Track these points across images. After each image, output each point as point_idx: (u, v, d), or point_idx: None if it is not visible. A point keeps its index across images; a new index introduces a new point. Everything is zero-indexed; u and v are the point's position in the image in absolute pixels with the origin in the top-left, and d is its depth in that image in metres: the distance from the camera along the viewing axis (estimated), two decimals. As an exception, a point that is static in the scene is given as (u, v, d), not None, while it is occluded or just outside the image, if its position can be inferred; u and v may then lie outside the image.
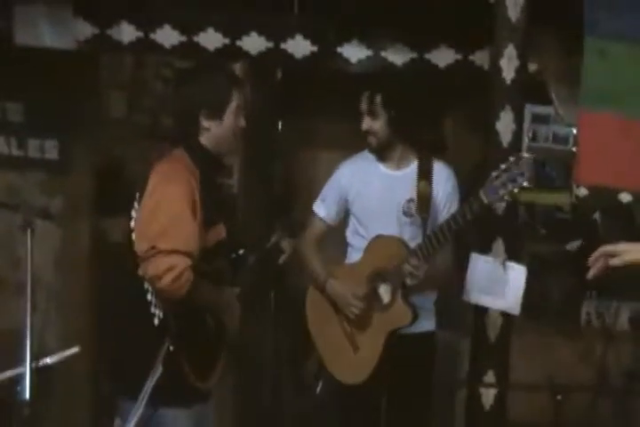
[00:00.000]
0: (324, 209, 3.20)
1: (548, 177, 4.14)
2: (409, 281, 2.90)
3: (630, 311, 4.03)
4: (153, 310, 2.48)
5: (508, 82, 3.26)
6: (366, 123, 3.04)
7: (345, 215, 3.21)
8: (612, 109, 3.19)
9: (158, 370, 2.39)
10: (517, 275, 3.16)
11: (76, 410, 3.89)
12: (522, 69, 3.26)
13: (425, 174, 3.04)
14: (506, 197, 2.71)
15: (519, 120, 3.31)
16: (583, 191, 3.29)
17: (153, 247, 2.37)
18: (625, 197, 3.25)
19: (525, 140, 4.02)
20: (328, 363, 3.16)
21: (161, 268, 2.35)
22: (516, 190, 2.67)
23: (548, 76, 3.55)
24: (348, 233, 3.21)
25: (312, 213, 3.23)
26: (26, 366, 2.37)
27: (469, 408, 3.40)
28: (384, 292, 3.03)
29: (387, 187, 3.09)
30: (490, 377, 3.28)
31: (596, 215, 4.08)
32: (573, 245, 4.13)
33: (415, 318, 2.96)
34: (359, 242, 3.14)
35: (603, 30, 3.19)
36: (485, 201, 2.72)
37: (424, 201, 3.00)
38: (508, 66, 3.25)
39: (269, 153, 4.11)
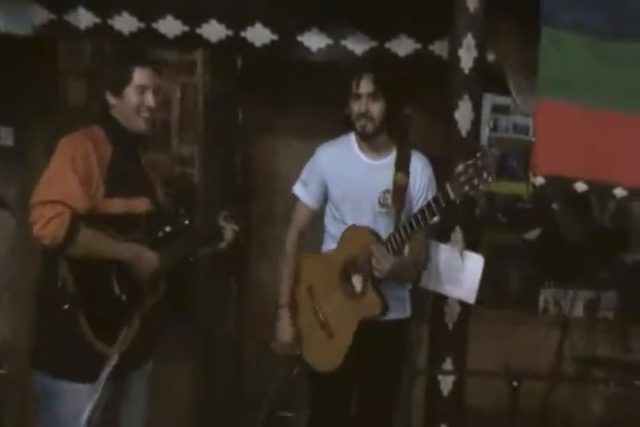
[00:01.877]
0: (306, 193, 3.19)
1: (509, 167, 4.18)
2: (376, 273, 2.92)
3: (585, 299, 4.10)
4: (57, 271, 2.59)
5: (467, 71, 3.27)
6: (365, 105, 3.01)
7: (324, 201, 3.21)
8: (568, 99, 3.22)
9: (114, 357, 2.40)
10: (475, 264, 3.19)
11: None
12: (480, 59, 3.28)
13: (402, 166, 3.06)
14: (472, 193, 2.71)
15: (478, 110, 3.33)
16: (540, 180, 3.32)
17: (32, 200, 2.57)
18: (580, 187, 3.28)
19: (486, 130, 4.06)
20: (303, 350, 3.18)
21: (34, 217, 2.54)
22: (481, 187, 2.68)
23: (507, 65, 3.57)
24: (326, 219, 3.21)
25: (295, 198, 3.22)
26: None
27: (428, 395, 3.43)
28: (357, 281, 3.05)
29: (364, 175, 3.08)
30: (448, 364, 3.31)
31: (555, 205, 4.14)
32: (532, 235, 4.18)
33: (385, 308, 2.98)
34: (335, 229, 3.15)
35: (559, 21, 3.21)
36: (452, 196, 2.73)
37: (399, 193, 3.03)
38: (467, 55, 3.26)
39: (229, 142, 4.09)
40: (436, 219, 2.95)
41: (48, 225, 2.51)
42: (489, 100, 3.92)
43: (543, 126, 3.27)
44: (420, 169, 3.10)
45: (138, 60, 2.75)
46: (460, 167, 2.70)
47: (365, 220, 3.06)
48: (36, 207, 2.55)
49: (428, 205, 2.82)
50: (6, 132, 3.84)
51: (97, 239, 2.61)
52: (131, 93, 2.71)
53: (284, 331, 3.19)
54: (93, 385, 2.50)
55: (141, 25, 3.54)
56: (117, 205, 2.69)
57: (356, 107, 3.03)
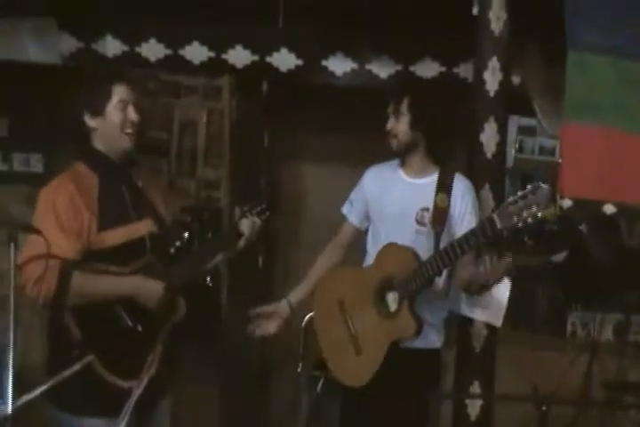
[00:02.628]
0: (351, 211, 3.22)
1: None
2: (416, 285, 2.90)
3: (615, 322, 4.05)
4: (62, 319, 2.53)
5: (492, 94, 3.27)
6: (390, 123, 3.05)
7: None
8: (595, 122, 3.21)
9: (143, 383, 2.40)
10: (502, 288, 3.16)
11: None
12: (505, 82, 3.29)
13: (444, 187, 3.05)
14: (520, 225, 2.67)
15: (503, 132, 3.33)
16: (568, 203, 3.30)
17: (20, 262, 2.47)
18: (609, 209, 3.25)
19: (512, 152, 4.05)
20: (330, 362, 3.17)
21: (23, 278, 2.46)
22: (530, 220, 2.65)
23: (532, 88, 3.57)
24: (368, 239, 3.22)
25: (342, 215, 3.24)
26: (8, 383, 2.36)
27: (455, 419, 3.40)
28: (392, 300, 3.04)
29: (404, 193, 3.09)
30: (475, 388, 3.28)
31: (582, 227, 4.10)
32: (559, 257, 4.14)
33: (419, 330, 2.94)
34: (373, 247, 3.15)
35: (585, 44, 3.21)
36: (499, 226, 2.71)
37: (440, 214, 3.01)
38: (492, 78, 3.27)
39: (255, 166, 4.12)
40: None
41: (38, 283, 2.44)
42: (514, 121, 3.91)
43: (570, 149, 3.26)
44: (461, 192, 3.09)
45: (115, 76, 2.66)
46: (511, 198, 2.68)
47: (404, 238, 3.05)
48: (23, 267, 2.47)
49: (473, 233, 2.81)
50: (36, 159, 3.88)
51: (92, 281, 2.53)
52: (112, 111, 2.61)
53: (272, 322, 3.20)
54: (117, 419, 2.40)
55: (168, 51, 3.59)
56: (116, 236, 2.60)
57: (387, 125, 3.07)
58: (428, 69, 3.63)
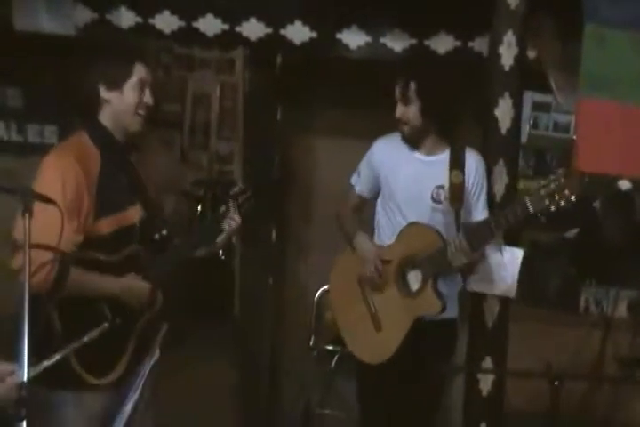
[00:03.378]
0: (358, 184, 3.23)
1: (549, 165, 4.14)
2: (455, 262, 2.91)
3: (629, 299, 4.04)
4: (43, 310, 2.40)
5: (507, 68, 3.25)
6: (399, 110, 3.03)
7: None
8: (611, 97, 3.18)
9: (155, 354, 2.41)
10: (513, 257, 3.16)
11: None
12: (521, 56, 3.26)
13: (457, 164, 3.06)
14: (552, 208, 2.70)
15: (518, 107, 3.30)
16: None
17: (16, 238, 2.37)
18: (624, 185, 3.25)
19: (526, 128, 4.02)
20: (348, 339, 3.18)
21: (19, 261, 2.31)
22: (562, 203, 2.67)
23: (548, 63, 3.54)
24: (378, 213, 3.22)
25: (349, 185, 3.25)
26: (24, 350, 2.37)
27: (467, 394, 3.41)
28: (413, 278, 3.05)
29: (417, 171, 3.09)
30: (487, 363, 3.29)
31: (596, 203, 4.08)
32: (572, 233, 4.13)
33: (444, 308, 2.99)
34: (387, 223, 3.16)
35: (602, 17, 3.17)
36: (531, 210, 2.74)
37: (456, 191, 3.02)
38: (507, 52, 3.24)
39: (268, 140, 4.11)
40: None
41: (37, 274, 2.28)
42: (529, 97, 3.88)
43: (585, 124, 3.24)
44: (474, 167, 3.10)
45: (138, 54, 2.60)
46: (543, 181, 2.72)
47: (420, 216, 3.06)
48: (21, 250, 2.24)
49: (505, 216, 2.82)
50: (51, 131, 3.88)
51: (86, 279, 2.46)
52: (130, 89, 2.54)
53: (366, 245, 3.15)
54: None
55: (182, 24, 3.57)
56: (108, 224, 2.52)
57: (396, 111, 3.05)
58: (442, 43, 3.60)
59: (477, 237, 2.89)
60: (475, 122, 3.47)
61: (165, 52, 4.04)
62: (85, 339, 2.27)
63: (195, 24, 3.57)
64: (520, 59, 3.25)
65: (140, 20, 3.54)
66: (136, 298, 2.57)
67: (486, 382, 3.31)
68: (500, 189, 3.27)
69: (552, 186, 2.68)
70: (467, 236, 2.90)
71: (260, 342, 4.16)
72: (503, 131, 3.29)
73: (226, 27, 3.58)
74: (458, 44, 3.59)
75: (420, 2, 3.48)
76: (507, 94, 3.26)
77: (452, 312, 3.14)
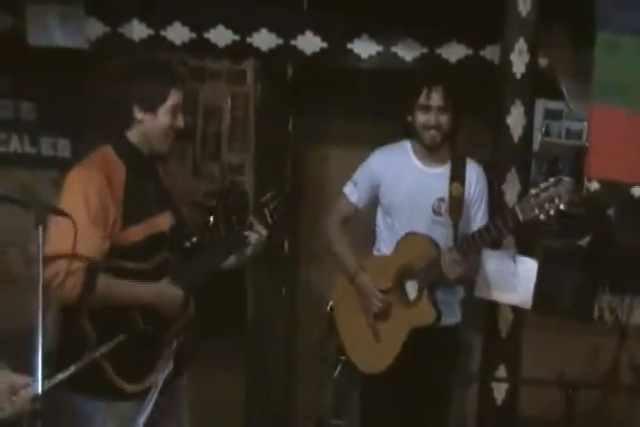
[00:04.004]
0: (355, 193, 3.21)
1: (561, 172, 4.12)
2: (451, 276, 2.90)
3: (644, 306, 4.01)
4: (77, 321, 2.47)
5: (519, 76, 3.25)
6: (436, 117, 3.02)
7: (374, 204, 3.22)
8: (623, 104, 3.18)
9: (169, 365, 2.41)
10: (528, 268, 3.15)
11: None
12: (532, 64, 3.26)
13: (458, 176, 3.07)
14: (541, 217, 2.69)
15: (530, 115, 3.30)
16: (595, 185, 3.27)
17: (46, 253, 2.30)
18: (638, 191, 3.22)
19: (538, 136, 4.01)
20: (348, 349, 3.20)
21: (49, 273, 2.32)
22: (552, 213, 2.66)
23: (559, 70, 3.53)
24: (377, 222, 3.22)
25: (342, 194, 3.24)
26: (38, 363, 2.38)
27: (481, 403, 3.40)
28: (411, 288, 3.05)
29: (419, 183, 3.10)
30: (501, 372, 3.28)
31: (610, 210, 4.06)
32: (586, 240, 4.11)
33: (439, 318, 2.99)
34: (387, 234, 3.16)
35: (614, 25, 3.17)
36: (521, 218, 2.73)
37: (456, 204, 3.03)
38: (519, 60, 3.25)
39: (280, 151, 4.12)
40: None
41: (64, 284, 2.36)
42: (541, 105, 3.87)
43: (597, 131, 3.23)
44: (474, 179, 3.12)
45: (174, 79, 2.64)
46: (533, 190, 2.71)
47: (420, 227, 3.07)
48: (49, 261, 2.32)
49: (495, 224, 2.81)
50: (64, 144, 3.90)
51: (116, 287, 2.48)
52: (163, 113, 2.58)
53: (370, 290, 3.12)
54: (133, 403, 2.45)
55: (193, 35, 3.59)
56: (138, 232, 2.54)
57: (425, 118, 3.04)
58: (454, 52, 3.61)
59: (470, 246, 2.88)
60: (486, 130, 3.48)
61: (180, 65, 4.05)
62: (97, 353, 2.28)
63: (206, 35, 3.59)
64: (532, 66, 3.25)
65: (151, 32, 3.57)
66: (169, 305, 2.58)
67: (500, 391, 3.30)
68: (512, 196, 3.27)
69: (542, 195, 2.67)
70: (458, 246, 2.90)
71: (274, 352, 4.15)
72: (515, 139, 3.29)
73: (237, 38, 3.60)
74: (469, 52, 3.60)
75: (431, 11, 3.49)
76: (518, 102, 3.26)
77: (452, 319, 3.14)
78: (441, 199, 3.06)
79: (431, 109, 3.02)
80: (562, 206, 2.64)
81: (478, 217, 3.12)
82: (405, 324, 3.03)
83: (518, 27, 3.23)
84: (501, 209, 3.06)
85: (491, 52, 3.55)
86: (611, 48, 3.18)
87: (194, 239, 2.71)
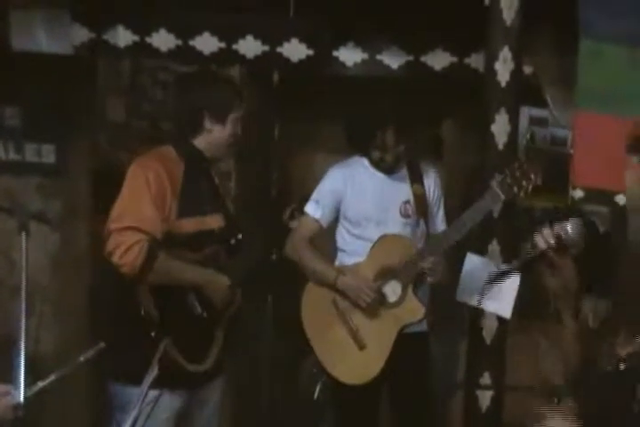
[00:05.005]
0: (319, 210, 3.20)
1: (547, 179, 4.14)
2: (430, 279, 3.00)
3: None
4: (137, 297, 2.59)
5: (504, 84, 3.27)
6: (392, 154, 3.09)
7: (334, 220, 3.23)
8: (607, 111, 3.20)
9: (154, 371, 2.40)
10: (511, 278, 3.15)
11: (73, 413, 3.89)
12: (517, 72, 3.27)
13: (417, 178, 3.18)
14: (521, 194, 2.89)
15: (514, 122, 3.31)
16: (579, 193, 3.29)
17: (109, 227, 2.57)
18: (622, 199, 3.24)
19: (523, 142, 4.03)
20: (329, 365, 3.16)
21: (112, 244, 2.54)
22: (530, 187, 2.84)
23: (544, 78, 3.55)
24: (339, 238, 3.22)
25: (304, 214, 3.23)
26: (20, 370, 2.37)
27: (466, 410, 3.40)
28: (390, 290, 3.06)
29: (383, 190, 3.16)
30: (486, 379, 3.28)
31: (594, 218, 4.08)
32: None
33: (427, 313, 3.05)
34: (353, 246, 3.16)
35: (598, 32, 3.19)
36: (502, 197, 2.89)
37: (420, 203, 3.13)
38: (503, 68, 3.26)
39: (266, 157, 4.12)
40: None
41: (127, 253, 2.52)
42: (526, 112, 3.89)
43: (582, 138, 3.25)
44: (432, 180, 3.22)
45: (240, 92, 2.83)
46: (506, 170, 2.88)
47: (391, 231, 3.11)
48: (113, 234, 2.56)
49: (478, 208, 2.94)
50: (48, 149, 3.88)
51: (173, 266, 2.62)
52: (229, 123, 2.75)
53: (357, 284, 3.12)
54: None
55: (179, 42, 3.59)
56: (190, 225, 2.69)
57: (380, 155, 3.12)
58: (438, 60, 3.63)
59: (447, 239, 2.98)
60: (474, 136, 3.49)
61: (163, 71, 4.05)
62: (81, 359, 2.28)
63: (191, 42, 3.59)
64: (516, 74, 3.27)
65: (136, 38, 3.57)
66: (218, 292, 2.72)
67: (485, 399, 3.30)
68: (498, 203, 3.27)
69: (517, 173, 2.84)
70: (430, 246, 3.02)
71: (261, 359, 4.14)
72: (500, 146, 3.30)
73: (222, 45, 3.60)
74: (454, 60, 3.62)
75: (417, 19, 3.50)
76: (503, 110, 3.28)
77: (420, 326, 3.14)
78: (406, 202, 3.15)
79: (386, 148, 3.08)
80: (538, 181, 2.89)
81: (439, 217, 3.22)
82: (394, 324, 3.04)
83: (503, 35, 3.25)
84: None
85: (475, 60, 3.57)
86: (594, 55, 3.21)
87: (239, 236, 2.84)
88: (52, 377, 2.24)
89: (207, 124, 2.72)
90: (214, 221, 2.77)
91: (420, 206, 3.13)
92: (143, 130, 4.25)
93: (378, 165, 3.15)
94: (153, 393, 2.51)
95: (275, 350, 4.17)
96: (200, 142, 2.75)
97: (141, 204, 2.56)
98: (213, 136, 2.73)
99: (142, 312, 2.58)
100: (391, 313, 3.06)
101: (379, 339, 3.07)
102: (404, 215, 3.14)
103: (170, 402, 2.59)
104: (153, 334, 2.52)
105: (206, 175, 2.82)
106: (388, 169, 3.15)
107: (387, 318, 3.07)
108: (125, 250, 2.52)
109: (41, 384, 2.22)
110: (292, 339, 3.94)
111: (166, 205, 2.62)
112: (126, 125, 4.29)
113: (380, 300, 3.08)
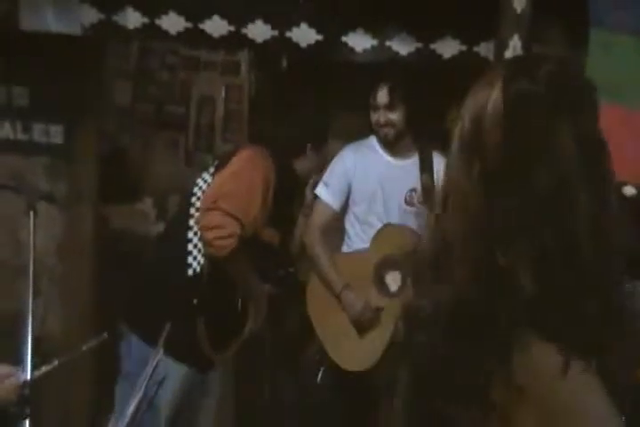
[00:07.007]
0: (330, 194, 3.21)
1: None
2: None
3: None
4: (190, 260, 2.56)
5: (513, 73, 3.25)
6: (384, 115, 3.07)
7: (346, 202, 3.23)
8: (616, 102, 3.18)
9: (159, 353, 2.41)
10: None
11: (75, 394, 3.91)
12: (527, 61, 3.26)
13: (427, 167, 3.15)
14: None
15: (523, 112, 3.30)
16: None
17: (215, 202, 2.58)
18: (629, 191, 3.23)
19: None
20: (331, 350, 3.18)
21: (214, 222, 2.57)
22: None
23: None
24: (347, 222, 3.22)
25: (316, 198, 3.23)
26: (27, 350, 2.38)
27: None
28: (391, 279, 3.07)
29: (389, 176, 3.15)
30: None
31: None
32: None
33: None
34: (359, 230, 3.17)
35: (608, 23, 3.17)
36: None
37: (429, 193, 3.10)
38: (513, 57, 3.25)
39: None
40: None
41: (224, 240, 2.57)
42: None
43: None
44: (442, 169, 3.15)
45: None
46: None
47: (393, 219, 3.11)
48: (218, 212, 2.58)
49: None
50: (56, 130, 3.87)
51: (242, 264, 2.72)
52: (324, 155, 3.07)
53: (358, 305, 3.15)
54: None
55: (188, 25, 3.57)
56: (266, 235, 2.78)
57: (374, 117, 3.14)
58: (448, 48, 3.60)
59: None
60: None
61: (171, 54, 4.04)
62: (84, 348, 2.31)
63: (201, 25, 3.56)
64: (526, 63, 3.25)
65: (146, 20, 3.54)
66: (259, 297, 2.87)
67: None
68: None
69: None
70: None
71: (261, 351, 4.14)
72: (507, 135, 3.29)
73: (232, 28, 3.58)
74: (463, 48, 3.59)
75: (427, 6, 3.48)
76: (512, 99, 3.26)
77: None
78: (412, 190, 3.13)
79: (378, 108, 3.07)
80: None
81: None
82: (392, 313, 3.04)
83: (513, 23, 3.23)
84: None
85: (485, 49, 3.55)
86: (604, 46, 3.19)
87: (291, 269, 3.08)
88: (55, 363, 2.25)
89: (309, 151, 2.92)
90: (276, 237, 2.85)
91: (428, 197, 3.11)
92: (149, 114, 4.25)
93: (378, 134, 3.10)
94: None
95: (276, 335, 4.18)
96: (298, 164, 2.92)
97: (253, 200, 2.61)
98: (311, 159, 2.93)
99: (190, 273, 2.65)
100: (392, 303, 3.07)
101: (378, 328, 3.08)
102: (409, 203, 3.13)
103: (176, 378, 2.63)
104: (195, 301, 2.58)
105: (291, 193, 2.96)
106: (389, 144, 3.12)
107: (387, 307, 3.07)
108: (224, 236, 2.55)
109: (44, 369, 2.23)
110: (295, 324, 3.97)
111: (265, 209, 2.70)
112: (132, 109, 4.29)
113: (384, 290, 3.08)
